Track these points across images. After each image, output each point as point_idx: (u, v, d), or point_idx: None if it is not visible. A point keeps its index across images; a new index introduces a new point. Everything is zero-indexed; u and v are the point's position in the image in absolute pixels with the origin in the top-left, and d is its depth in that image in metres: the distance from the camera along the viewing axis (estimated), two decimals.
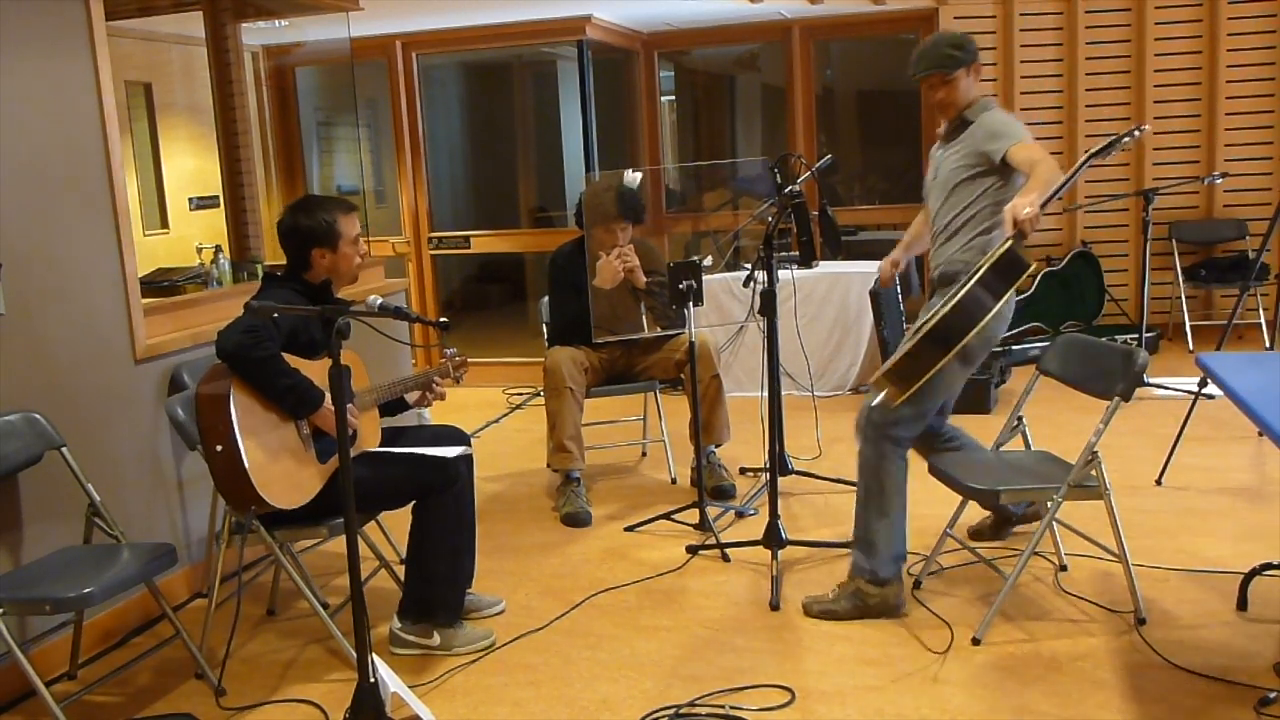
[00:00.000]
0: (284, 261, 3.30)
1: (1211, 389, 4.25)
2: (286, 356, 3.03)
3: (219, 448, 2.92)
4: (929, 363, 2.91)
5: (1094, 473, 3.14)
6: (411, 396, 3.50)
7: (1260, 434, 4.57)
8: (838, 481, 4.59)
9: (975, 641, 3.12)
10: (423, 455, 3.25)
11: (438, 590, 3.26)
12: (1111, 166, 7.25)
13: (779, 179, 3.93)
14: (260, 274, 5.12)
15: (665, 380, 4.76)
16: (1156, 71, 7.12)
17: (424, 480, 3.22)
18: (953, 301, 2.90)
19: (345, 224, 3.25)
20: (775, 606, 3.45)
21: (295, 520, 3.13)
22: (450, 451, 3.28)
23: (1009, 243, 2.93)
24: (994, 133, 3.28)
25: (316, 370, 3.08)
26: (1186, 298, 7.07)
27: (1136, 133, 3.15)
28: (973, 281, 2.92)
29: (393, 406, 3.49)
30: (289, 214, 3.25)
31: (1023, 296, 7.04)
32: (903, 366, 2.95)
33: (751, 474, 4.85)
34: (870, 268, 6.27)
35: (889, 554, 3.31)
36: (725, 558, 3.89)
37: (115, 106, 3.58)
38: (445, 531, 3.25)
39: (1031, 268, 2.96)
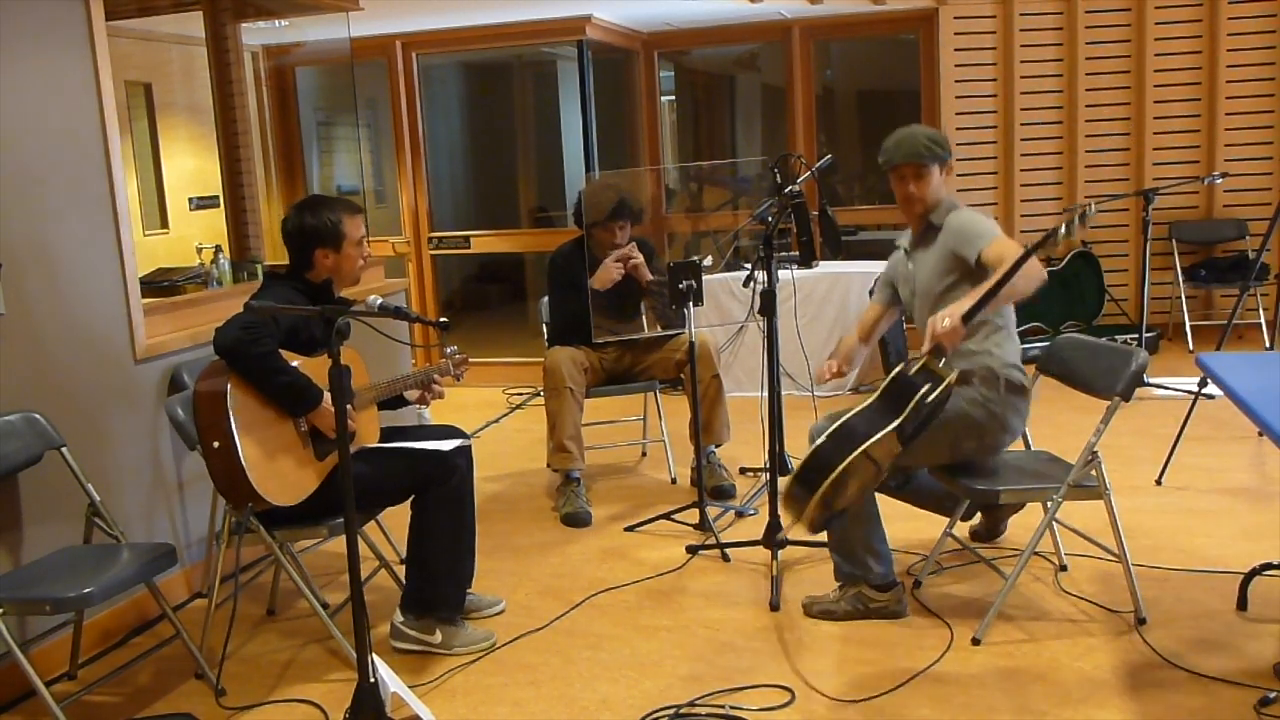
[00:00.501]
0: (284, 261, 3.30)
1: (1211, 389, 4.25)
2: (285, 354, 3.03)
3: (216, 444, 2.93)
4: (805, 495, 2.72)
5: (1094, 473, 3.13)
6: (411, 394, 3.50)
7: (1260, 434, 4.57)
8: None
9: (975, 641, 3.12)
10: (421, 449, 3.26)
11: (439, 585, 3.26)
12: (1111, 166, 7.25)
13: (779, 179, 3.92)
14: (260, 274, 5.13)
15: (665, 380, 4.76)
16: (1156, 71, 7.12)
17: (423, 474, 3.22)
18: (829, 430, 2.77)
19: (350, 225, 3.25)
20: (775, 606, 3.45)
21: (295, 520, 3.14)
22: (448, 444, 3.29)
23: (920, 360, 2.80)
24: (965, 234, 3.14)
25: (315, 367, 3.08)
26: (1186, 298, 7.07)
27: (1079, 220, 2.80)
28: (852, 412, 2.80)
29: (392, 402, 3.49)
30: (295, 213, 3.25)
31: None
32: (789, 492, 2.78)
33: (751, 474, 4.85)
34: (871, 267, 6.30)
35: (875, 556, 3.28)
36: (725, 558, 3.89)
37: (115, 106, 3.58)
38: (445, 525, 3.26)
39: (932, 391, 2.73)
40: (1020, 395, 3.22)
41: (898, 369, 2.85)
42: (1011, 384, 3.19)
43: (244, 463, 2.92)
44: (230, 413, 2.92)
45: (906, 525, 3.83)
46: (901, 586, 3.34)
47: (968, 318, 2.81)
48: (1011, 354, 3.24)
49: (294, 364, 3.06)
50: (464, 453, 3.34)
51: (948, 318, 2.81)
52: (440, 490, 3.24)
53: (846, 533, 3.28)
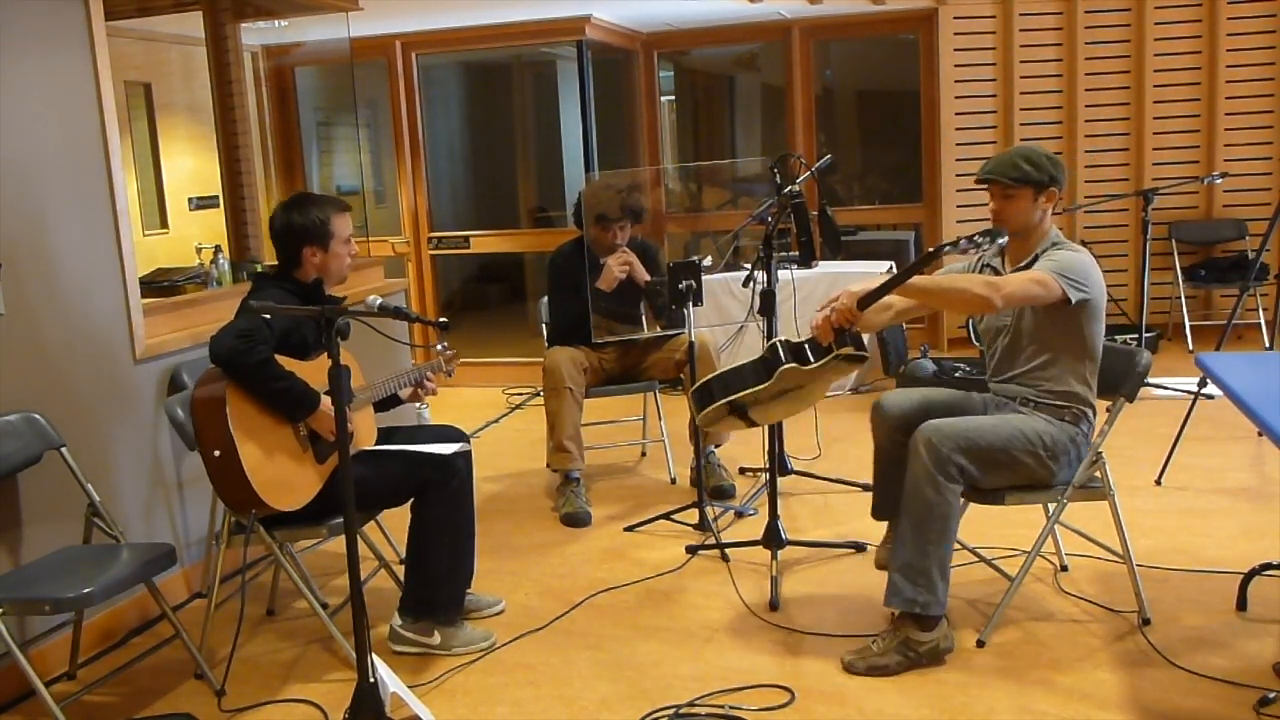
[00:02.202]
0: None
1: (1211, 389, 4.25)
2: (279, 358, 3.02)
3: (217, 453, 2.92)
4: (699, 404, 3.20)
5: (1098, 474, 3.13)
6: (404, 393, 3.50)
7: (1260, 434, 4.56)
8: (837, 481, 4.59)
9: (980, 644, 3.11)
10: (421, 452, 3.25)
11: (438, 587, 3.26)
12: (1111, 166, 7.25)
13: (778, 179, 3.92)
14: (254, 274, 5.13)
15: (665, 380, 4.76)
16: (1156, 71, 7.12)
17: (423, 476, 3.22)
18: (719, 370, 3.22)
19: (338, 223, 3.23)
20: (775, 606, 3.45)
21: (295, 520, 3.13)
22: (448, 447, 3.28)
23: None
24: (1046, 261, 3.05)
25: (309, 370, 3.07)
26: (1186, 298, 7.06)
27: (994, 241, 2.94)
28: (741, 362, 3.17)
29: (386, 402, 3.48)
30: (282, 211, 3.23)
31: None
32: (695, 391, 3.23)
33: (751, 474, 4.85)
34: (870, 268, 6.29)
35: (943, 585, 3.00)
36: (725, 558, 3.89)
37: (115, 106, 3.58)
38: (445, 528, 3.25)
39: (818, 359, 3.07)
40: (1091, 433, 3.18)
41: (779, 339, 3.16)
42: (1090, 422, 3.16)
43: (246, 470, 2.91)
44: (229, 420, 2.91)
45: None
46: (946, 620, 3.08)
47: (862, 303, 2.99)
48: (1094, 399, 3.18)
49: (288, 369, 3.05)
50: (464, 455, 3.33)
51: (844, 297, 3.00)
52: (440, 493, 3.23)
53: (926, 548, 2.98)
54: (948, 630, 3.06)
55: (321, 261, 3.23)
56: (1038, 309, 3.11)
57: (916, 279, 2.96)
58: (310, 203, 3.24)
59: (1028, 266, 3.13)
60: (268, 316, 2.99)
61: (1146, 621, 3.18)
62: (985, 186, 3.20)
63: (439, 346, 3.57)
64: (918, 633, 3.00)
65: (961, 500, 3.12)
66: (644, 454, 5.34)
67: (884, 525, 3.44)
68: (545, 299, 4.97)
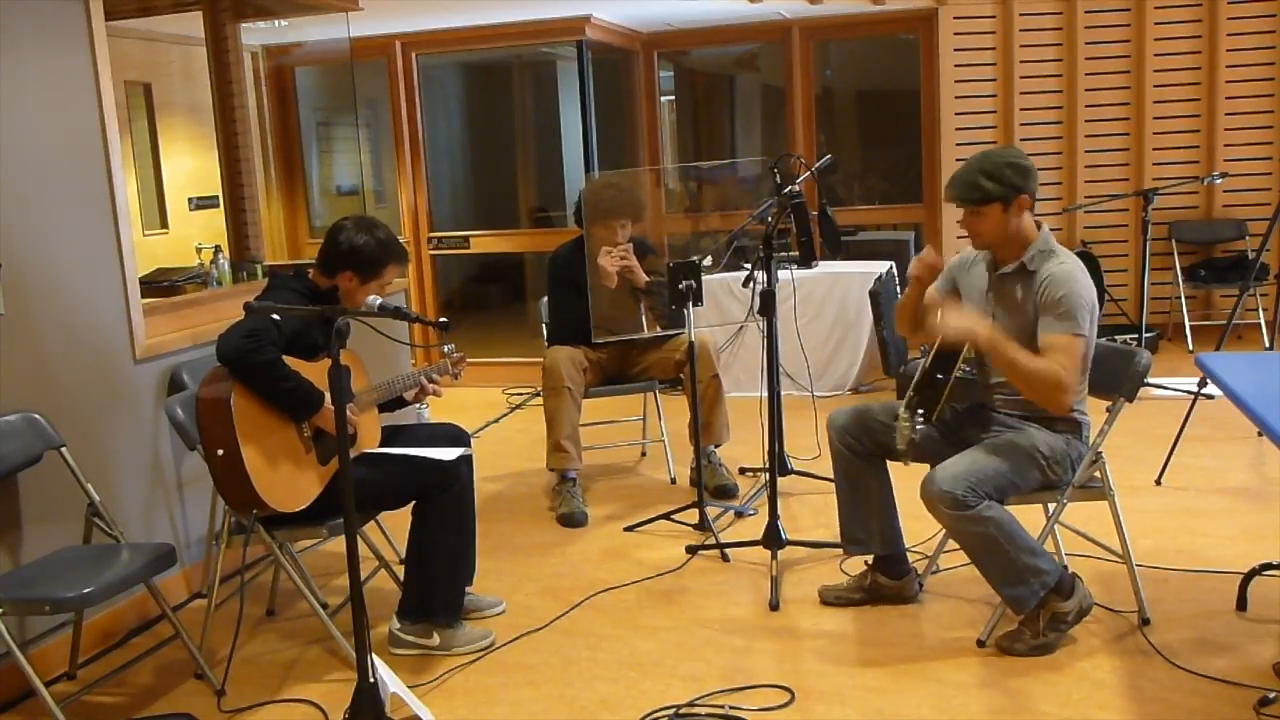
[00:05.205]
0: (282, 260, 3.30)
1: (1211, 389, 4.24)
2: (287, 359, 3.02)
3: (220, 452, 2.92)
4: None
5: (1098, 474, 3.13)
6: (409, 394, 3.50)
7: (1260, 434, 4.56)
8: None
9: (980, 644, 3.11)
10: (423, 457, 3.25)
11: (437, 590, 3.26)
12: (1111, 166, 7.25)
13: (778, 179, 3.93)
14: (260, 273, 5.13)
15: (665, 380, 4.75)
16: (1156, 71, 7.12)
17: (424, 481, 3.22)
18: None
19: (389, 272, 3.25)
20: (775, 606, 3.45)
21: (295, 520, 3.13)
22: (451, 453, 3.28)
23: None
24: (1060, 308, 2.97)
25: (316, 372, 3.07)
26: (1186, 298, 7.06)
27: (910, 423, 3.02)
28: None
29: (392, 404, 3.48)
30: (354, 227, 3.20)
31: None
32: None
33: (751, 474, 4.85)
34: (870, 268, 6.30)
35: (1043, 558, 3.01)
36: (725, 558, 3.89)
37: (115, 106, 3.58)
38: (445, 532, 3.25)
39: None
40: (1087, 436, 3.18)
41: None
42: (1083, 426, 3.15)
43: (248, 470, 2.91)
44: (234, 420, 2.91)
45: (906, 525, 3.82)
46: (1078, 578, 3.11)
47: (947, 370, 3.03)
48: (1080, 405, 3.16)
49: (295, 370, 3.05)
50: (465, 460, 3.33)
51: (980, 332, 2.96)
52: (442, 498, 3.24)
53: (1007, 556, 2.97)
54: (1085, 590, 3.11)
55: (349, 290, 3.21)
56: (1020, 329, 3.08)
57: (1011, 354, 2.97)
58: (382, 239, 3.21)
59: (1026, 276, 3.08)
60: (276, 318, 2.99)
61: (1146, 621, 3.18)
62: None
63: (446, 348, 3.56)
64: (1060, 604, 3.04)
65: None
66: (644, 454, 5.34)
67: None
68: (545, 299, 4.97)
